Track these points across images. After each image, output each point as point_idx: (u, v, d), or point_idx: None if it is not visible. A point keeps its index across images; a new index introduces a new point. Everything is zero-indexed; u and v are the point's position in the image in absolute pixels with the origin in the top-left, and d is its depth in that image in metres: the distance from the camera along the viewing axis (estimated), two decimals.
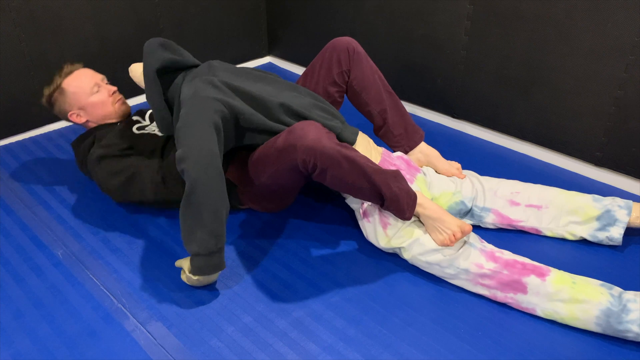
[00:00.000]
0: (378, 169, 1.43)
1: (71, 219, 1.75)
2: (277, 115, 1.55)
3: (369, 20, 2.40)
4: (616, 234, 1.55)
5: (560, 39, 1.86)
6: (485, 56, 2.08)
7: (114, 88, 1.86)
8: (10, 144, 2.20)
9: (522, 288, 1.36)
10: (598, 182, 1.92)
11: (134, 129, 1.81)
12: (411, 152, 1.78)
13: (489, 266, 1.39)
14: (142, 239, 1.67)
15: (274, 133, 1.54)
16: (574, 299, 1.32)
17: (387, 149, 1.92)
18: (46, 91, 1.83)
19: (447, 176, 1.71)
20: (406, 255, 1.51)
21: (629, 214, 1.54)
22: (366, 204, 1.54)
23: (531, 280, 1.35)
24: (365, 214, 1.55)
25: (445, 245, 1.43)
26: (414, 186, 1.61)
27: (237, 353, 1.30)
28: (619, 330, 1.28)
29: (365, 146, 1.63)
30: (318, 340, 1.33)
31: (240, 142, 1.58)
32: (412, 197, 1.46)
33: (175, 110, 1.58)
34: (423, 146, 1.79)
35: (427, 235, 1.47)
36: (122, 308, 1.42)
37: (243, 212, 1.78)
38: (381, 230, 1.52)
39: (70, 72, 1.82)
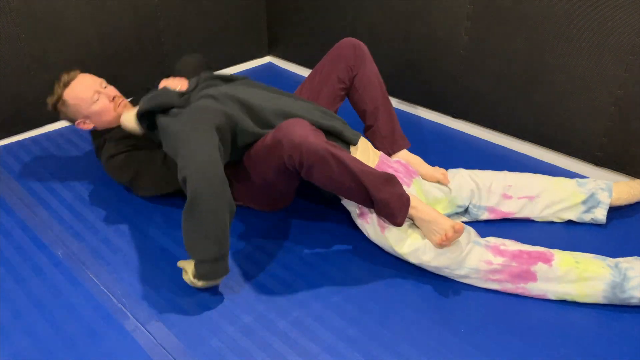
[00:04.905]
0: (368, 171, 1.43)
1: (71, 219, 1.75)
2: (273, 122, 1.55)
3: (369, 20, 2.40)
4: (600, 215, 1.66)
5: (560, 39, 1.86)
6: (485, 56, 2.08)
7: (114, 93, 1.83)
8: (10, 144, 2.20)
9: (531, 277, 1.41)
10: None
11: None
12: (393, 156, 1.80)
13: (497, 261, 1.42)
14: (142, 239, 1.67)
15: None
16: (581, 277, 1.39)
17: None
18: (49, 100, 1.81)
19: (432, 182, 1.70)
20: (414, 261, 1.50)
21: (610, 195, 1.66)
22: (363, 207, 1.53)
23: (539, 268, 1.41)
24: (362, 215, 1.55)
25: (441, 246, 1.44)
26: (411, 189, 1.61)
27: (237, 353, 1.30)
28: (623, 298, 1.38)
29: (364, 149, 1.64)
30: (318, 340, 1.33)
31: (235, 156, 1.57)
32: (404, 201, 1.46)
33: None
34: (405, 153, 1.80)
35: (428, 240, 1.48)
36: (122, 308, 1.42)
37: (243, 212, 1.78)
38: (379, 231, 1.52)
39: (69, 82, 1.79)
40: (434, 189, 1.67)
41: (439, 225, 1.44)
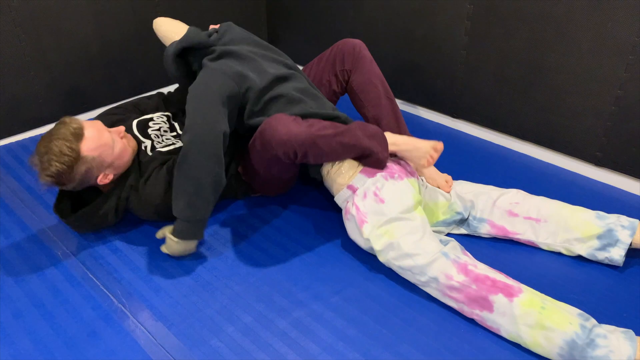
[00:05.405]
0: (345, 130, 1.48)
1: None
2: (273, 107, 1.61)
3: (369, 20, 2.40)
4: (616, 255, 1.47)
5: (560, 39, 1.86)
6: (485, 56, 2.08)
7: (122, 128, 1.61)
8: (10, 144, 2.20)
9: (488, 306, 1.31)
10: (598, 182, 1.92)
11: (148, 152, 1.68)
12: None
13: (458, 278, 1.34)
14: (142, 239, 1.67)
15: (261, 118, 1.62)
16: (540, 324, 1.25)
17: None
18: (56, 167, 1.43)
19: (432, 185, 1.67)
20: (381, 259, 1.47)
21: (632, 234, 1.46)
22: (348, 203, 1.52)
23: (498, 299, 1.29)
24: (346, 212, 1.53)
25: (430, 164, 1.54)
26: (405, 182, 1.57)
27: (237, 353, 1.30)
28: None
29: None
30: (318, 340, 1.33)
31: (239, 125, 1.65)
32: (381, 138, 1.52)
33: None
34: None
35: (402, 238, 1.42)
36: (122, 308, 1.42)
37: (243, 212, 1.78)
38: (358, 228, 1.49)
39: (81, 134, 1.46)
40: (436, 192, 1.64)
41: (421, 149, 1.52)
